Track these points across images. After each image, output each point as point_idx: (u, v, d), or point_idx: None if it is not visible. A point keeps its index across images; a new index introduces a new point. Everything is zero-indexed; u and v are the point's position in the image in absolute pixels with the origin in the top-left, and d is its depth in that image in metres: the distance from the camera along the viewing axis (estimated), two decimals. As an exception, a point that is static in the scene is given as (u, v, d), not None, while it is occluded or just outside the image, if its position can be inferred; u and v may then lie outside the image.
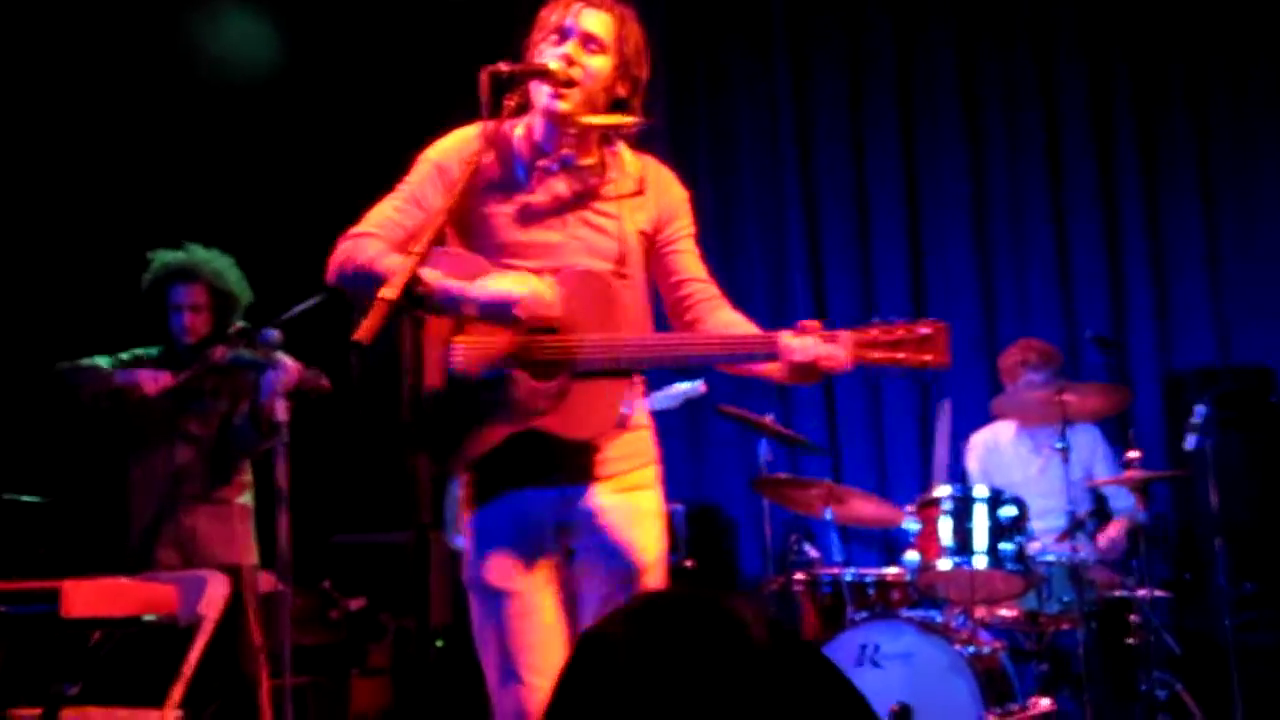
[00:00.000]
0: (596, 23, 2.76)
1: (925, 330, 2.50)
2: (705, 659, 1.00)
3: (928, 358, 2.49)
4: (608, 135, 2.84)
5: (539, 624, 2.78)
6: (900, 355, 2.50)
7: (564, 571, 2.82)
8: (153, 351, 4.89)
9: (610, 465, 2.78)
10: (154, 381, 4.64)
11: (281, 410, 4.45)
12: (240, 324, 4.75)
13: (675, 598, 1.05)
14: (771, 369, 2.66)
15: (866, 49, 6.92)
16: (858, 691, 1.04)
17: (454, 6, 6.97)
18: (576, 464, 2.77)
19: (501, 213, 2.79)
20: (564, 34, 2.76)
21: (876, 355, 2.51)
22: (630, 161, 2.86)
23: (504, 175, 2.82)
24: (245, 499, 4.86)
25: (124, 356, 4.87)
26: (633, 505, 2.78)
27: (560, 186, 2.80)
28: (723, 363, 2.77)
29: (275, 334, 4.53)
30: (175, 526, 4.68)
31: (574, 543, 2.80)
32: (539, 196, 2.80)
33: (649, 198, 2.83)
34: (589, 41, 2.75)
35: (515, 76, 2.66)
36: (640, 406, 2.87)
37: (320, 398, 4.63)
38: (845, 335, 2.54)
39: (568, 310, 2.66)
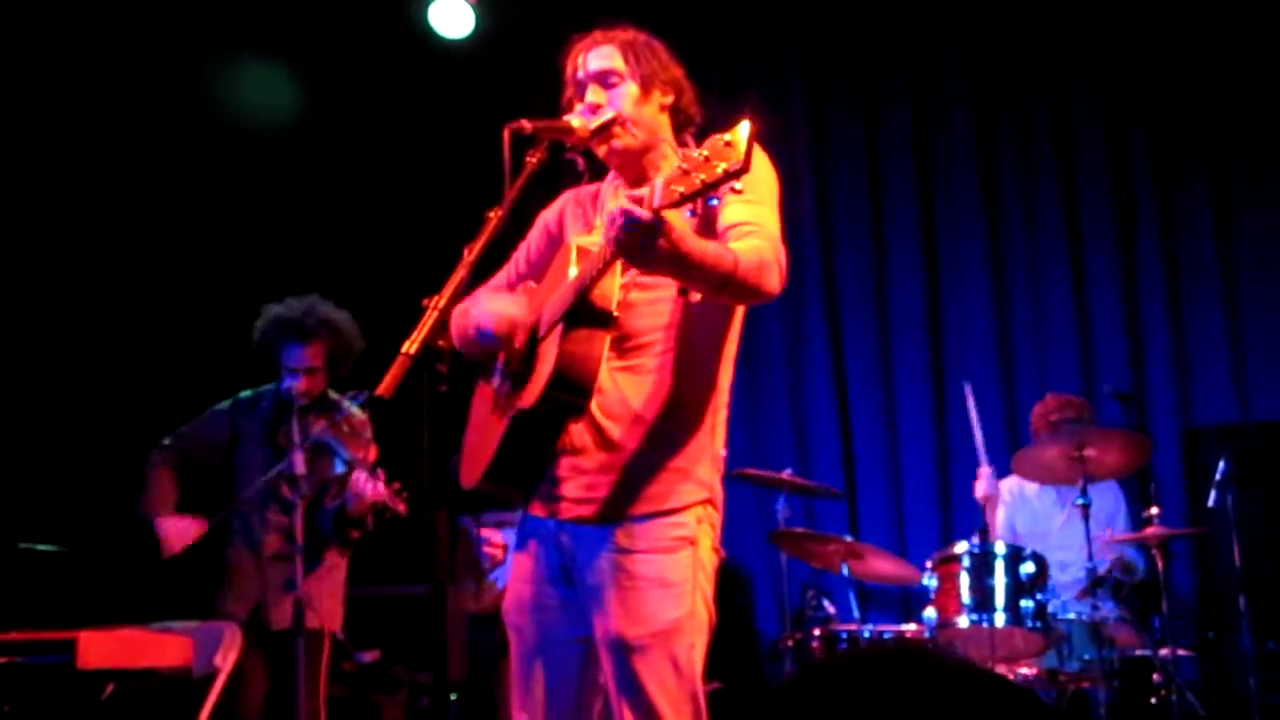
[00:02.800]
0: (602, 59, 2.81)
1: (725, 136, 2.19)
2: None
3: (720, 167, 2.17)
4: (681, 139, 2.85)
5: (536, 663, 2.75)
6: (699, 179, 2.19)
7: (576, 618, 2.73)
8: (248, 395, 4.94)
9: (615, 506, 2.68)
10: (179, 540, 4.68)
11: (370, 521, 4.75)
12: (335, 396, 4.82)
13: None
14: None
15: (883, 102, 6.95)
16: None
17: (474, 60, 7.03)
18: (567, 485, 2.72)
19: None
20: (581, 86, 2.82)
21: (680, 191, 2.21)
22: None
23: (587, 217, 2.93)
24: (337, 562, 4.87)
25: (223, 407, 4.95)
26: (628, 570, 2.63)
27: (613, 204, 2.85)
28: (603, 274, 2.53)
29: (362, 416, 4.66)
30: (265, 584, 4.69)
31: (579, 595, 2.73)
32: (597, 219, 2.88)
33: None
34: (604, 79, 2.80)
35: (538, 133, 2.67)
36: (658, 438, 2.70)
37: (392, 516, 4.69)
38: (656, 184, 2.28)
39: (543, 291, 2.77)
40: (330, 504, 4.75)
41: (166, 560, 4.70)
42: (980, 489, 5.59)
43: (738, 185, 2.22)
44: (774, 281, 2.56)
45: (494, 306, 2.76)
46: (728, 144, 2.18)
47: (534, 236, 3.06)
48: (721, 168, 2.18)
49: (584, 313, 2.57)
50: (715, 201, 2.26)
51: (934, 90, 6.88)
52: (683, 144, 2.83)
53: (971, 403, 5.73)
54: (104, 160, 6.37)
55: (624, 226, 2.28)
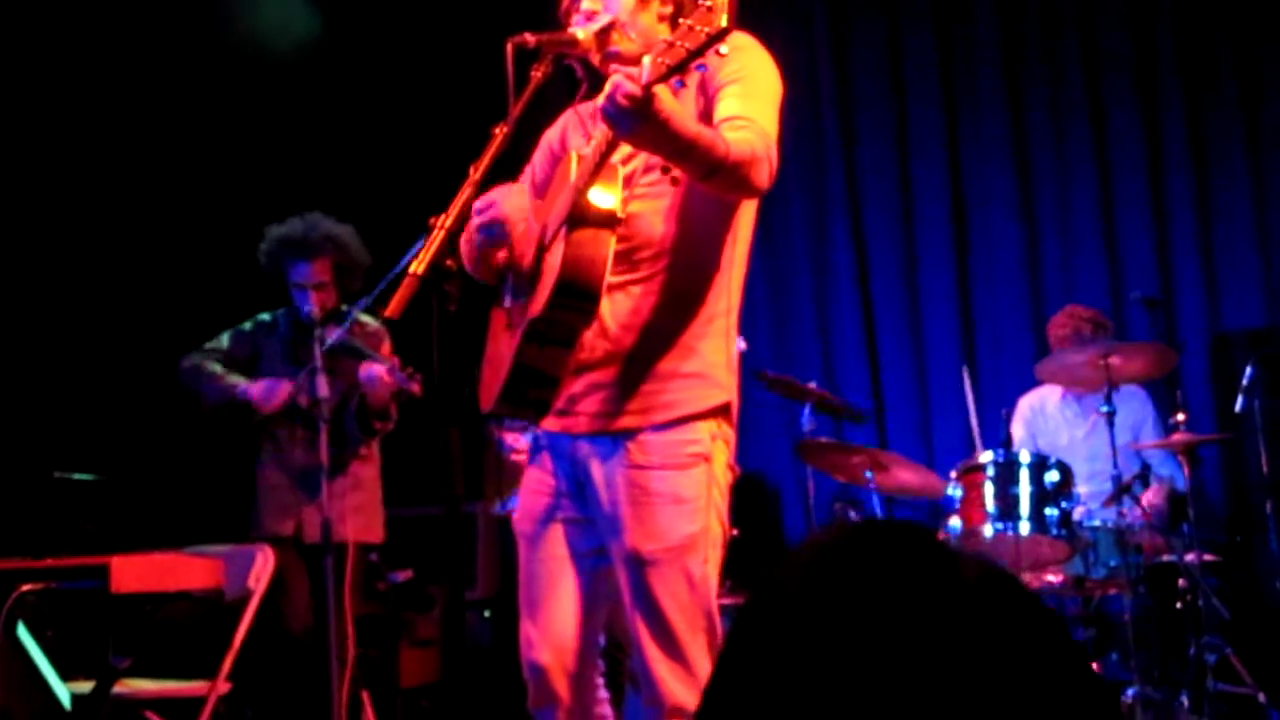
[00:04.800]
0: None
1: (707, 2, 2.17)
2: (911, 591, 0.97)
3: (702, 31, 2.15)
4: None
5: (543, 574, 2.77)
6: (684, 47, 2.17)
7: (586, 533, 2.76)
8: (266, 318, 5.00)
9: (634, 416, 2.67)
10: (269, 402, 4.73)
11: (393, 410, 4.79)
12: (346, 308, 4.86)
13: (878, 528, 1.03)
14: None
15: (907, 11, 6.83)
16: (1071, 638, 1.01)
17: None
18: (583, 400, 2.71)
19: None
20: None
21: (666, 62, 2.20)
22: None
23: (587, 130, 2.89)
24: (368, 472, 4.93)
25: (245, 327, 5.00)
26: (642, 486, 2.64)
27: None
28: (606, 163, 2.52)
29: (376, 325, 4.71)
30: (301, 499, 4.76)
31: (592, 510, 2.74)
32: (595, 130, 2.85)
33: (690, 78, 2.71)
34: None
35: (541, 47, 2.65)
36: (674, 346, 2.68)
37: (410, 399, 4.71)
38: (644, 61, 2.27)
39: (547, 204, 2.74)
40: (353, 405, 4.80)
41: (263, 418, 4.77)
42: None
43: (723, 50, 2.19)
44: (763, 175, 2.53)
45: (491, 197, 2.73)
46: (709, 9, 2.17)
47: (538, 158, 3.04)
48: (704, 31, 2.16)
49: (586, 214, 2.55)
50: (703, 68, 2.25)
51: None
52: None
53: (968, 386, 5.71)
54: (112, 82, 6.36)
55: (614, 100, 2.28)
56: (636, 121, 2.29)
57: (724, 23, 2.14)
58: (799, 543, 1.14)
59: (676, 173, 2.61)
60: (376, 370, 4.62)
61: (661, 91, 2.29)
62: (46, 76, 6.18)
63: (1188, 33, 6.38)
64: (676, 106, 2.36)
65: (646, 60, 2.25)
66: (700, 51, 2.18)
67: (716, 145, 2.43)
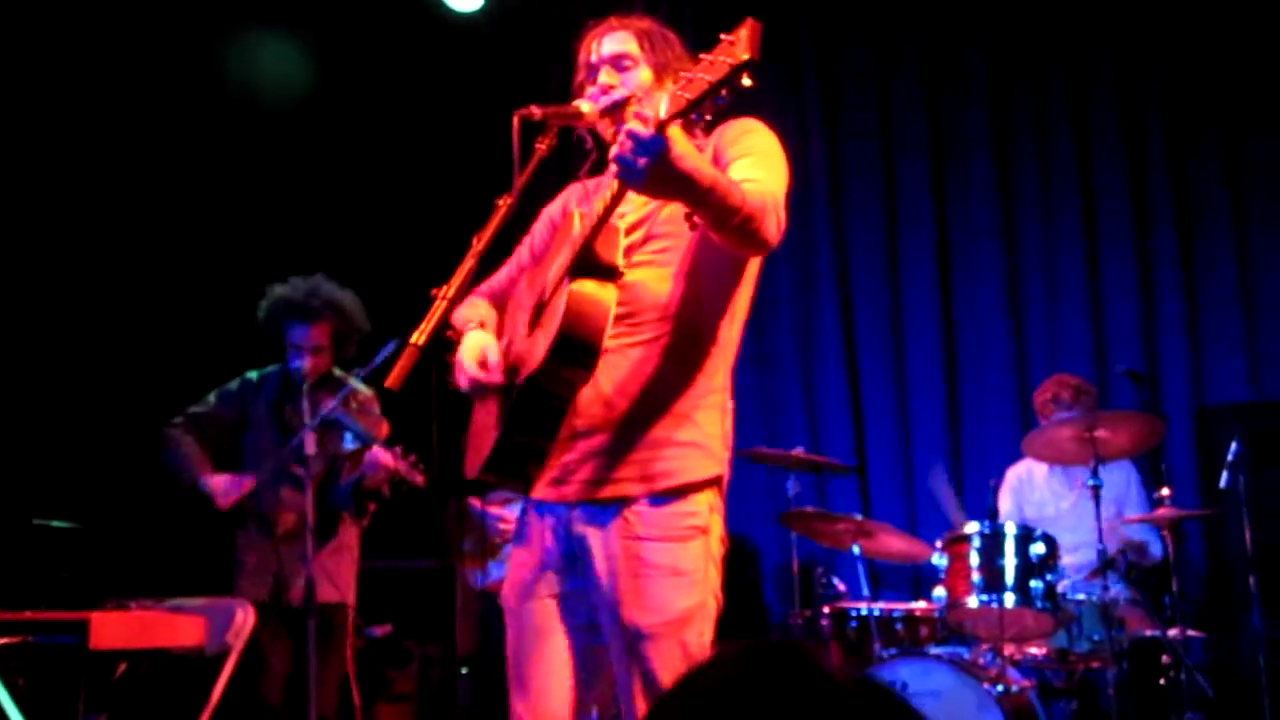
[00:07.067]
0: (617, 44, 2.80)
1: (729, 36, 2.11)
2: (791, 708, 1.00)
3: (727, 63, 2.08)
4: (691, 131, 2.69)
5: (532, 649, 2.72)
6: (705, 80, 2.11)
7: (579, 606, 2.71)
8: (254, 377, 5.00)
9: (630, 484, 2.63)
10: (227, 496, 4.73)
11: (385, 491, 4.83)
12: (340, 374, 4.85)
13: (753, 648, 1.08)
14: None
15: (896, 81, 6.90)
16: None
17: (485, 34, 6.99)
18: (578, 469, 2.67)
19: None
20: (593, 69, 2.81)
21: (687, 97, 2.12)
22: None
23: (589, 203, 2.85)
24: (350, 537, 4.93)
25: (232, 387, 5.00)
26: (641, 558, 2.59)
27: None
28: (608, 223, 2.51)
29: (369, 393, 4.70)
30: (280, 562, 4.75)
31: (585, 582, 2.69)
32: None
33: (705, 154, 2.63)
34: (618, 62, 2.78)
35: (547, 120, 2.65)
36: (671, 413, 2.65)
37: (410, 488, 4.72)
38: (663, 97, 2.22)
39: (547, 265, 2.76)
40: (346, 479, 4.79)
41: (223, 513, 4.78)
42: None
43: (740, 153, 2.15)
44: (772, 229, 2.50)
45: (468, 355, 2.73)
46: (731, 42, 2.12)
47: (537, 229, 3.04)
48: (727, 62, 2.11)
49: (589, 265, 2.53)
50: (722, 100, 2.16)
51: (948, 68, 6.83)
52: (692, 136, 2.71)
53: (944, 481, 5.75)
54: (111, 137, 6.36)
55: (628, 138, 2.22)
56: (649, 166, 2.23)
57: (745, 56, 2.09)
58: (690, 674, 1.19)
59: (697, 218, 2.53)
60: (383, 457, 4.62)
61: (676, 133, 2.24)
62: (49, 129, 6.17)
63: (1174, 113, 6.46)
64: (691, 148, 2.31)
65: (665, 96, 2.21)
66: (723, 83, 2.11)
67: (732, 193, 2.38)
